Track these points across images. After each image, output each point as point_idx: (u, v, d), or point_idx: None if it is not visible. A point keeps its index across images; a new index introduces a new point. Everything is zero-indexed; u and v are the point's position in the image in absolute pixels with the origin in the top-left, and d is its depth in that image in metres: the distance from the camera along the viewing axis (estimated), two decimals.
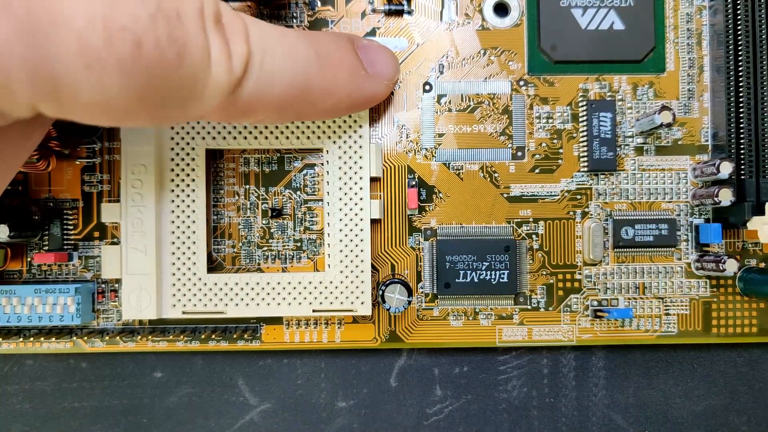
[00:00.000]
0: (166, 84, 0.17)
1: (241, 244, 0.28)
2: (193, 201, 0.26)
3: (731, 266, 0.27)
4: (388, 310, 0.27)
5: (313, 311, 0.26)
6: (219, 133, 0.26)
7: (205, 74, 0.18)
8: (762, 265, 0.29)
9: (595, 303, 0.29)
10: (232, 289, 0.26)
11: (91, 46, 0.16)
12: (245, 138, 0.26)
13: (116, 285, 0.28)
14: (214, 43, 0.18)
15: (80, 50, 0.16)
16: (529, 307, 0.28)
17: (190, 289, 0.26)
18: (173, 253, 0.26)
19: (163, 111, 0.18)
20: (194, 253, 0.26)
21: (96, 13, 0.16)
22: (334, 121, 0.26)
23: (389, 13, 0.28)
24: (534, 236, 0.28)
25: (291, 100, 0.22)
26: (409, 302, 0.27)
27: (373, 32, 0.28)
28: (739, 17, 0.27)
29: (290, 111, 0.23)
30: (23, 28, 0.15)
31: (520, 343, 0.29)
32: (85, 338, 0.28)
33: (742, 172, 0.27)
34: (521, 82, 0.28)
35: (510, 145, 0.28)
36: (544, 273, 0.28)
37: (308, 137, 0.26)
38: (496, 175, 0.28)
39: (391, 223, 0.28)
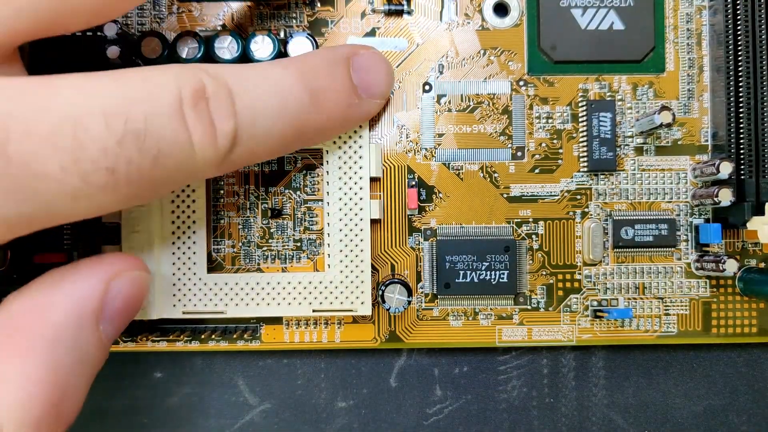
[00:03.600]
0: (151, 182, 0.18)
1: (240, 244, 0.28)
2: (194, 201, 0.26)
3: (731, 266, 0.27)
4: (387, 310, 0.27)
5: (313, 311, 0.26)
6: None
7: (189, 160, 0.19)
8: (762, 265, 0.29)
9: (595, 303, 0.29)
10: (232, 289, 0.26)
11: (72, 185, 0.17)
12: None
13: None
14: (195, 130, 0.19)
15: (64, 191, 0.17)
16: (529, 307, 0.28)
17: (190, 289, 0.26)
18: (173, 254, 0.26)
19: (155, 195, 0.20)
20: (194, 253, 0.26)
21: (67, 158, 0.17)
22: None
23: (389, 13, 0.28)
24: (534, 236, 0.28)
25: (285, 145, 0.22)
26: (409, 302, 0.27)
27: (372, 32, 0.28)
28: (739, 17, 0.27)
29: (285, 151, 0.24)
30: (10, 191, 0.17)
31: (520, 343, 0.29)
32: None
33: (742, 172, 0.27)
34: (521, 82, 0.28)
35: (510, 145, 0.28)
36: (544, 273, 0.28)
37: None
38: (496, 175, 0.28)
39: (391, 224, 0.28)
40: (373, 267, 0.28)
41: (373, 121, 0.28)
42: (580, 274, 0.28)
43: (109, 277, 0.20)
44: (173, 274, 0.26)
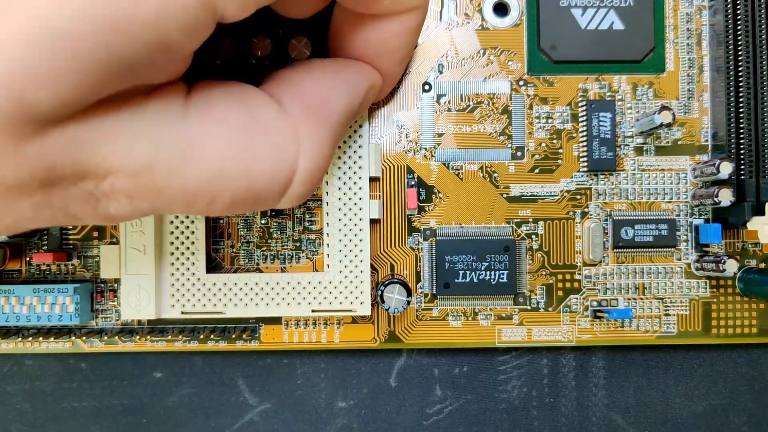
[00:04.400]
0: None
1: (240, 244, 0.28)
2: None
3: (731, 266, 0.26)
4: (387, 310, 0.27)
5: (313, 311, 0.26)
6: None
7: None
8: (762, 265, 0.29)
9: (595, 303, 0.28)
10: (231, 289, 0.26)
11: None
12: None
13: (115, 285, 0.28)
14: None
15: None
16: (528, 307, 0.28)
17: (189, 290, 0.26)
18: (172, 254, 0.26)
19: None
20: (193, 253, 0.26)
21: None
22: None
23: None
24: (533, 236, 0.28)
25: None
26: (409, 302, 0.27)
27: None
28: (739, 17, 0.27)
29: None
30: None
31: (519, 343, 0.29)
32: (84, 338, 0.28)
33: (742, 172, 0.27)
34: (521, 82, 0.28)
35: (509, 145, 0.28)
36: (544, 273, 0.28)
37: None
38: (495, 175, 0.28)
39: (391, 223, 0.28)
40: (372, 267, 0.28)
41: (373, 121, 0.28)
42: (580, 274, 0.28)
43: (370, 86, 0.23)
44: (172, 275, 0.26)
